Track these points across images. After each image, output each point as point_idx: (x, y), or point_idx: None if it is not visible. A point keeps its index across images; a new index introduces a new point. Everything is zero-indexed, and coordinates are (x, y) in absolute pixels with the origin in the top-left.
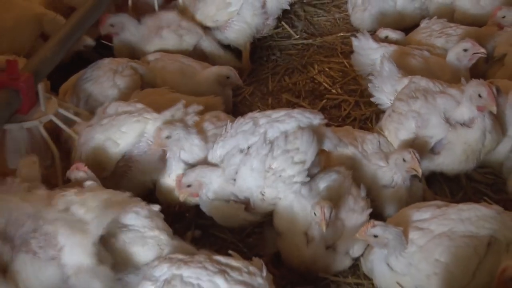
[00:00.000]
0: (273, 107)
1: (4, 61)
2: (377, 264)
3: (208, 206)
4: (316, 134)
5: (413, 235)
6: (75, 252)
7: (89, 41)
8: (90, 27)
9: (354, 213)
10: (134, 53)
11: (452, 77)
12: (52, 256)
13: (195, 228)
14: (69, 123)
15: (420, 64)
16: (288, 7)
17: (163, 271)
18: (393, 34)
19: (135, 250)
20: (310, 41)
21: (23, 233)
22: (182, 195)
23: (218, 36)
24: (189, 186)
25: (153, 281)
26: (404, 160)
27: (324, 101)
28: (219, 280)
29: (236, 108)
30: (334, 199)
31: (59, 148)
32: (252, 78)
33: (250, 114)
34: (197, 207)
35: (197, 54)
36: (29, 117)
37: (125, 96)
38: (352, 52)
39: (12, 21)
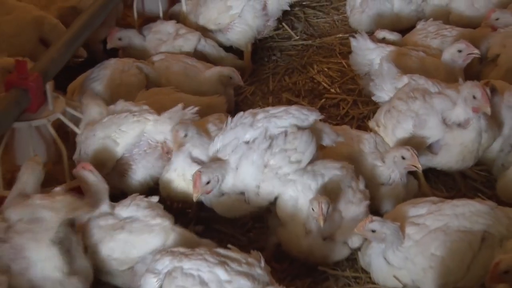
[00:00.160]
0: (273, 106)
1: (12, 62)
2: (374, 258)
3: (215, 200)
4: (314, 131)
5: (409, 230)
6: (41, 267)
7: (83, 53)
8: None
9: (352, 204)
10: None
11: (447, 77)
12: (21, 270)
13: (197, 223)
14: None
15: (416, 65)
16: (288, 9)
17: (165, 264)
18: (390, 35)
19: (143, 237)
20: (310, 42)
21: None
22: (197, 194)
23: (220, 38)
24: (208, 183)
25: (156, 273)
26: (403, 158)
27: (323, 100)
28: (219, 271)
29: (238, 107)
30: (335, 192)
31: (66, 146)
32: (253, 78)
33: (250, 110)
34: (198, 203)
35: (198, 56)
36: (37, 115)
37: (130, 95)
38: (350, 52)
39: (12, 23)
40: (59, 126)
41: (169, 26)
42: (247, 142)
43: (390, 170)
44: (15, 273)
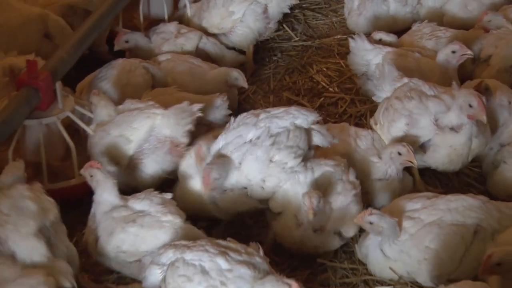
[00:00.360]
0: (274, 104)
1: (19, 63)
2: (371, 250)
3: (219, 196)
4: (311, 131)
5: (405, 224)
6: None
7: None
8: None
9: (340, 195)
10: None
11: (442, 77)
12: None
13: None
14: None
15: (412, 65)
16: (289, 11)
17: (169, 256)
18: (387, 37)
19: (153, 232)
20: (309, 43)
21: None
22: (208, 190)
23: (223, 40)
24: (217, 178)
25: (160, 265)
26: (399, 154)
27: (322, 99)
28: (220, 260)
29: (240, 105)
30: (326, 186)
31: (75, 143)
32: (255, 77)
33: (251, 111)
34: None
35: (200, 54)
36: (47, 113)
37: (137, 95)
38: (348, 53)
39: (18, 18)
40: (69, 124)
41: (172, 26)
42: (250, 141)
43: (387, 165)
44: None
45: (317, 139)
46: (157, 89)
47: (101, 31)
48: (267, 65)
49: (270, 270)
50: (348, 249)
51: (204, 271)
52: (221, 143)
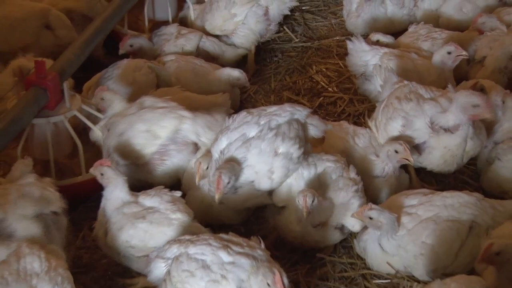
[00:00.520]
0: (275, 104)
1: (27, 64)
2: (369, 245)
3: (231, 196)
4: (306, 125)
5: (403, 219)
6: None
7: None
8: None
9: (341, 191)
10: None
11: (437, 77)
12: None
13: None
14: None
15: (408, 65)
16: (289, 13)
17: (173, 251)
18: (384, 38)
19: (162, 229)
20: (309, 44)
21: None
22: (220, 195)
23: (226, 41)
24: (228, 183)
25: (165, 259)
26: (396, 151)
27: (321, 98)
28: (222, 254)
29: (242, 104)
30: (327, 182)
31: (82, 141)
32: (256, 77)
33: (246, 110)
34: None
35: (201, 53)
36: (55, 112)
37: (141, 94)
38: (346, 54)
39: (21, 10)
40: (78, 124)
41: (172, 28)
42: (253, 137)
43: (384, 163)
44: None
45: (312, 131)
46: (161, 89)
47: (107, 33)
48: (268, 66)
49: (270, 261)
50: (346, 244)
51: (206, 266)
52: (224, 143)
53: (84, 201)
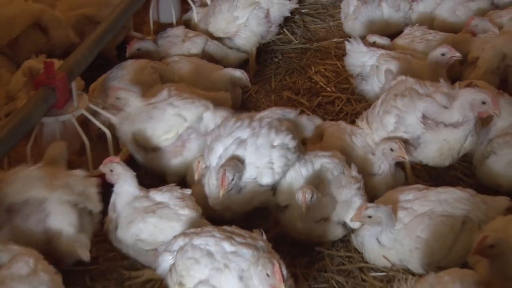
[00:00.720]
0: (275, 103)
1: (37, 65)
2: (367, 239)
3: (235, 196)
4: (297, 126)
5: (399, 214)
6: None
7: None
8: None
9: (344, 188)
10: None
11: (432, 78)
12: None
13: None
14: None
15: (404, 66)
16: (289, 15)
17: (179, 244)
18: (380, 40)
19: (171, 224)
20: (308, 45)
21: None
22: (224, 191)
23: (228, 43)
24: (232, 179)
25: (171, 252)
26: (391, 150)
27: (320, 98)
28: (225, 244)
29: (243, 104)
30: (327, 179)
31: (89, 139)
32: (257, 77)
33: (234, 116)
34: None
35: (205, 56)
36: (63, 111)
37: (145, 94)
38: (344, 55)
39: (15, 7)
40: (88, 122)
41: (178, 30)
42: (247, 138)
43: (380, 161)
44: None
45: (303, 131)
46: (169, 83)
47: (114, 34)
48: (268, 66)
49: (271, 253)
50: (344, 238)
51: (210, 254)
52: (220, 149)
53: None
